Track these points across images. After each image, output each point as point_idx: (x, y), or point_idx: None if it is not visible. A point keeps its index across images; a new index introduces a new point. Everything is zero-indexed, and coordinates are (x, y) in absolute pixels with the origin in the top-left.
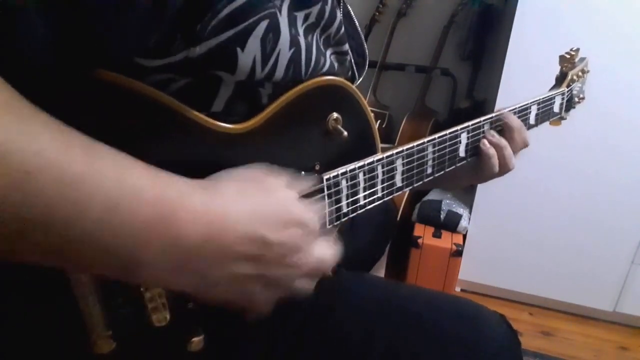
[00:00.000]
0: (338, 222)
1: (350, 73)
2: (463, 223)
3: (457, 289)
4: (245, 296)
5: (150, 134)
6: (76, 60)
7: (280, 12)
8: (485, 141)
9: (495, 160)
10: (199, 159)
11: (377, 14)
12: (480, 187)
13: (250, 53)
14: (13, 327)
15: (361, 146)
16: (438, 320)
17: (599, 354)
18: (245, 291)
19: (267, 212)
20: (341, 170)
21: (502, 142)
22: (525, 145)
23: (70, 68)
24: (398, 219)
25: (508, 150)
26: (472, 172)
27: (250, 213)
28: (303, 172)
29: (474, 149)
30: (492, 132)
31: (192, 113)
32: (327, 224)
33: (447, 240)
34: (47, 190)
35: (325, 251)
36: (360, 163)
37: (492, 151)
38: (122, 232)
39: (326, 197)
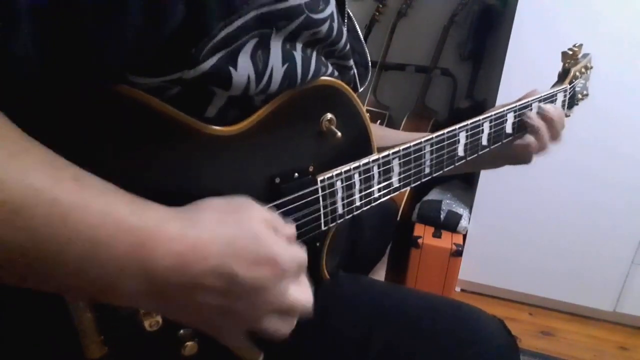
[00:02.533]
0: (334, 224)
1: (352, 85)
2: (463, 223)
3: (457, 289)
4: (210, 325)
5: (143, 137)
6: (67, 76)
7: (279, 31)
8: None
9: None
10: (192, 162)
11: (377, 14)
12: (480, 187)
13: (243, 71)
14: (4, 333)
15: (356, 147)
16: (436, 324)
17: (599, 354)
18: (209, 320)
19: (241, 246)
20: (336, 171)
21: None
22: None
23: (61, 83)
24: (398, 219)
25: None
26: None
27: (223, 246)
28: (297, 174)
29: (474, 148)
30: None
31: (184, 117)
32: (323, 225)
33: (447, 240)
34: (36, 226)
35: (299, 295)
36: (356, 164)
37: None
38: (106, 262)
39: (320, 199)
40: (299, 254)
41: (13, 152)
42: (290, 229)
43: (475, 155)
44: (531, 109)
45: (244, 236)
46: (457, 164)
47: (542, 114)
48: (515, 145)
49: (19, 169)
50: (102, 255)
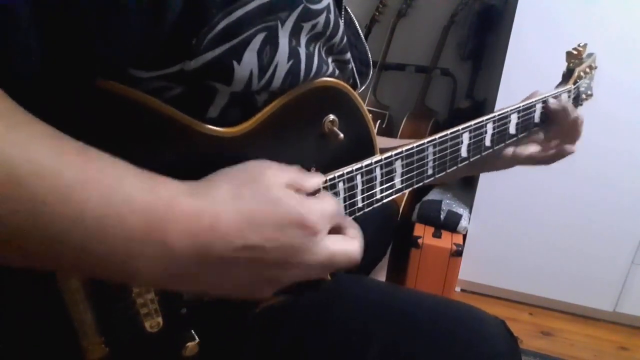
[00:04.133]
0: None
1: (351, 81)
2: (463, 223)
3: (457, 289)
4: (249, 290)
5: (145, 139)
6: (69, 70)
7: (283, 24)
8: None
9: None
10: (193, 163)
11: (377, 14)
12: (480, 187)
13: (246, 66)
14: (4, 334)
15: (359, 148)
16: (436, 324)
17: (599, 354)
18: (248, 286)
19: (262, 217)
20: (338, 172)
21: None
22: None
23: (63, 78)
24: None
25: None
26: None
27: (243, 222)
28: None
29: (477, 149)
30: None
31: (185, 118)
32: None
33: (447, 240)
34: (40, 198)
35: (338, 244)
36: (358, 165)
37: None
38: (113, 241)
39: None
40: (327, 204)
41: (12, 124)
42: (315, 179)
43: (478, 156)
44: (535, 109)
45: (264, 206)
46: (460, 165)
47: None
48: (538, 143)
49: (20, 141)
50: (110, 235)
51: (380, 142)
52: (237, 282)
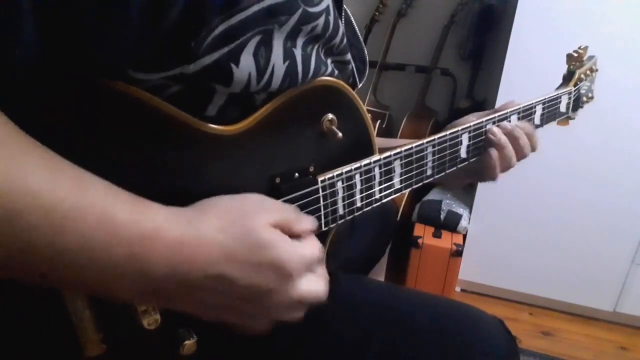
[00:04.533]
0: (334, 225)
1: (351, 80)
2: (463, 223)
3: (457, 289)
4: (219, 317)
5: (142, 136)
6: (67, 70)
7: (281, 27)
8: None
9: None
10: (192, 162)
11: (377, 14)
12: (480, 187)
13: (245, 68)
14: (2, 330)
15: (358, 147)
16: (435, 324)
17: (599, 354)
18: (217, 314)
19: (242, 255)
20: (337, 172)
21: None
22: (533, 149)
23: (63, 75)
24: (398, 219)
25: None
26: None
27: (222, 255)
28: (297, 174)
29: (477, 150)
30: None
31: (184, 115)
32: (323, 226)
33: (447, 240)
34: (33, 231)
35: (309, 287)
36: (357, 164)
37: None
38: (97, 267)
39: (321, 199)
40: (309, 250)
41: (11, 154)
42: (307, 222)
43: (477, 157)
44: (535, 111)
45: (247, 247)
46: (459, 166)
47: (508, 131)
48: (481, 160)
49: (17, 172)
50: (98, 261)
51: (380, 142)
52: (204, 306)
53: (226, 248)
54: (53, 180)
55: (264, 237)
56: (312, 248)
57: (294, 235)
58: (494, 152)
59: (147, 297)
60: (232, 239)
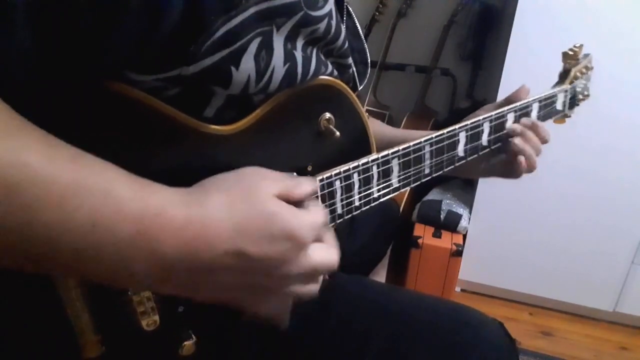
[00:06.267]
0: (333, 224)
1: (351, 84)
2: (463, 223)
3: (457, 289)
4: (237, 300)
5: (141, 136)
6: (66, 72)
7: (279, 29)
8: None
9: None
10: (189, 161)
11: (377, 14)
12: (480, 187)
13: (244, 71)
14: (1, 332)
15: (355, 146)
16: (435, 325)
17: (599, 354)
18: (235, 296)
19: (252, 227)
20: (335, 171)
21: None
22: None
23: (61, 78)
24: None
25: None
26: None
27: (233, 229)
28: (295, 174)
29: (474, 149)
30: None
31: (182, 116)
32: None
33: (447, 240)
34: (33, 204)
35: (322, 256)
36: (355, 163)
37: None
38: (104, 247)
39: (319, 199)
40: (316, 217)
41: (7, 130)
42: (306, 185)
43: (476, 155)
44: (531, 109)
45: (256, 218)
46: (457, 164)
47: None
48: (504, 161)
49: (14, 147)
50: (102, 241)
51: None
52: (222, 288)
53: (237, 224)
54: (51, 154)
55: (272, 209)
56: (317, 213)
57: (297, 201)
58: (519, 143)
59: (162, 283)
60: (241, 215)
